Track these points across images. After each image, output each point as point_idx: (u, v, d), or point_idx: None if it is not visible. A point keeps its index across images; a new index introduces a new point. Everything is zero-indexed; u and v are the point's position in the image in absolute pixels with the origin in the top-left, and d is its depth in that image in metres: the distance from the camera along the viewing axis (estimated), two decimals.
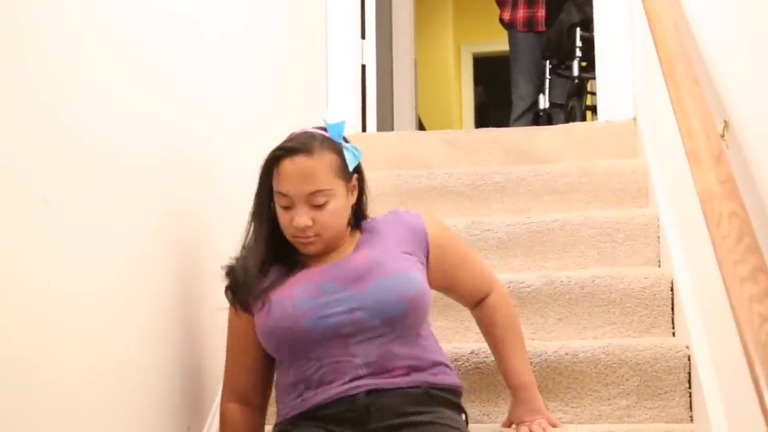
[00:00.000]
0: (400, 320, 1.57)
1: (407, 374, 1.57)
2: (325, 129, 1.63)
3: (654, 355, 2.01)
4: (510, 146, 3.14)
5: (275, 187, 1.59)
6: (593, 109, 4.09)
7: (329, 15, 3.33)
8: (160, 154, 1.71)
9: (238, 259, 1.65)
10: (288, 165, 1.57)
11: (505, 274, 2.36)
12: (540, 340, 2.20)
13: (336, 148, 1.60)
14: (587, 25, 4.04)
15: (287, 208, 1.58)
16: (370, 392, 1.53)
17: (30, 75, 1.22)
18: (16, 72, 1.18)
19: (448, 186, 2.86)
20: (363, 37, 3.55)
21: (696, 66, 1.74)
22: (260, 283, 1.61)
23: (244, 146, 2.32)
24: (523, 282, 2.30)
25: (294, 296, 1.57)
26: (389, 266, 1.60)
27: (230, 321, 1.68)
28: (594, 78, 3.59)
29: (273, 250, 1.63)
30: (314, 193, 1.56)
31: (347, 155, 1.60)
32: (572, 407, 2.02)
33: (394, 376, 1.55)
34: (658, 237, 2.48)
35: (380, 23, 3.91)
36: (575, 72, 4.16)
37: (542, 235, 2.54)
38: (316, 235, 1.58)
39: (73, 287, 1.33)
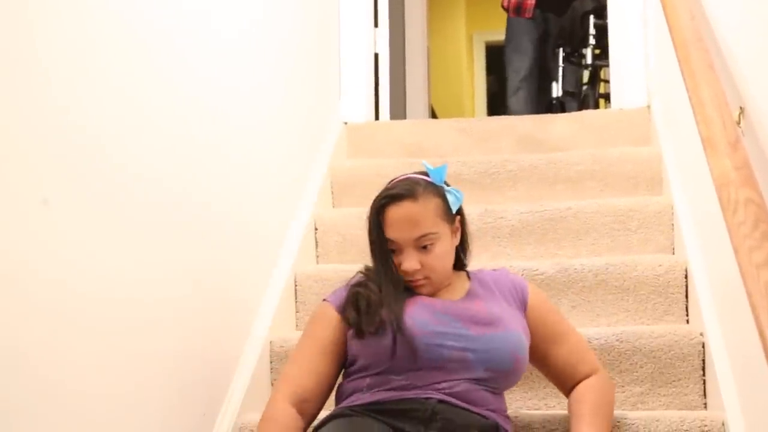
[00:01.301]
0: (502, 376, 1.58)
1: (481, 409, 1.56)
2: (426, 174, 1.65)
3: (668, 342, 2.00)
4: (523, 134, 3.13)
5: (384, 233, 1.61)
6: (606, 96, 4.07)
7: (342, 4, 3.32)
8: (171, 151, 1.71)
9: (367, 286, 1.62)
10: (394, 211, 1.59)
11: (518, 262, 2.36)
12: None
13: (439, 192, 1.62)
14: (601, 12, 4.01)
15: (395, 252, 1.60)
16: (442, 402, 1.53)
17: (41, 71, 1.23)
18: (26, 66, 1.19)
19: (461, 174, 2.85)
20: (376, 25, 3.54)
21: (711, 52, 1.73)
22: (397, 312, 1.58)
23: (258, 137, 2.33)
24: (536, 269, 2.30)
25: (413, 314, 1.57)
26: (507, 322, 1.61)
27: (318, 322, 1.66)
28: (607, 66, 3.56)
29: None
30: (421, 237, 1.58)
31: (450, 198, 1.63)
32: None
33: (471, 407, 1.55)
34: (672, 225, 2.47)
35: (393, 12, 3.89)
36: (589, 60, 4.14)
37: (555, 223, 2.53)
38: (426, 277, 1.61)
39: (88, 279, 1.34)
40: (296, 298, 2.41)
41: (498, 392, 1.60)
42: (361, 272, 1.67)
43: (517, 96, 4.39)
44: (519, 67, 4.40)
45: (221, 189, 1.99)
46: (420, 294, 1.62)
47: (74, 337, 1.28)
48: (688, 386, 1.98)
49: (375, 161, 2.99)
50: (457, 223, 1.66)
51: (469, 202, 2.78)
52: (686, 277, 2.23)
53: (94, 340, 1.34)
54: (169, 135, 1.69)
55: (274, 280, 2.30)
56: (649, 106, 3.03)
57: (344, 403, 1.58)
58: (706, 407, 1.96)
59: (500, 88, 6.72)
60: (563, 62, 4.40)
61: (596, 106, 4.13)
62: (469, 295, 1.66)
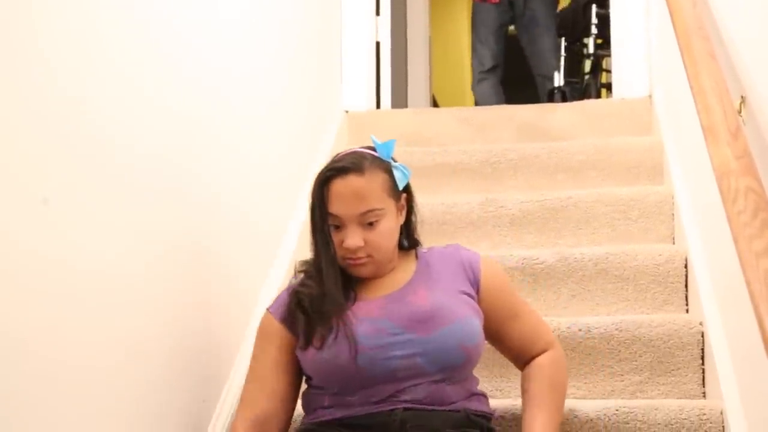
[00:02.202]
0: (459, 368, 1.53)
1: (448, 406, 1.52)
2: (373, 148, 1.58)
3: (667, 331, 2.01)
4: (524, 124, 3.13)
5: (327, 207, 1.53)
6: (608, 86, 4.06)
7: None
8: (171, 134, 1.71)
9: (306, 284, 1.56)
10: (339, 185, 1.52)
11: (518, 251, 2.36)
12: (553, 316, 2.20)
13: (386, 167, 1.56)
14: (603, 2, 4.01)
15: (338, 228, 1.53)
16: (408, 409, 1.48)
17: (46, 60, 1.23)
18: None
19: (462, 163, 2.85)
20: (377, 13, 3.53)
21: (713, 41, 1.72)
22: (341, 301, 1.53)
23: (260, 124, 2.32)
24: (536, 258, 2.30)
25: (354, 333, 1.50)
26: (452, 312, 1.53)
27: (264, 337, 1.60)
28: (609, 55, 3.56)
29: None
30: (366, 213, 1.51)
31: (397, 174, 1.56)
32: (585, 383, 2.02)
33: (437, 407, 1.51)
34: (673, 214, 2.47)
35: (395, 0, 3.89)
36: (591, 49, 4.13)
37: (556, 212, 2.53)
38: (368, 256, 1.53)
39: (89, 266, 1.34)
40: None
41: (460, 381, 1.54)
42: (298, 270, 1.61)
43: (480, 86, 4.41)
44: (483, 56, 4.41)
45: (221, 176, 1.99)
46: (360, 275, 1.55)
47: (72, 315, 1.28)
48: (687, 375, 1.99)
49: None
50: (403, 201, 1.59)
51: (470, 191, 2.80)
52: (686, 266, 2.23)
53: (93, 318, 1.34)
54: (168, 118, 1.69)
55: (274, 269, 2.30)
56: (650, 96, 3.03)
57: (309, 418, 1.55)
58: (704, 396, 1.97)
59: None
60: (565, 52, 4.40)
61: (598, 96, 4.13)
62: (412, 282, 1.58)
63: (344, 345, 1.49)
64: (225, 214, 1.99)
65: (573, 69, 4.46)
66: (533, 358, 1.64)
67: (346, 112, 3.23)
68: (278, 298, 1.63)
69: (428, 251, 1.66)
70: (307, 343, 1.52)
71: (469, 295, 1.59)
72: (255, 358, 1.60)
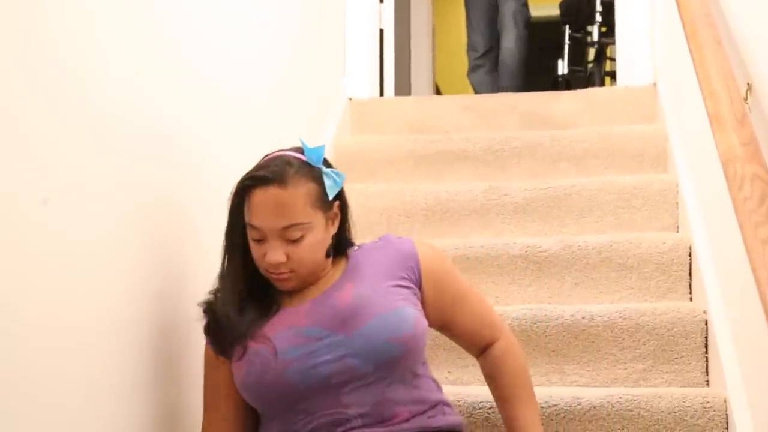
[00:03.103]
0: (396, 363, 1.39)
1: (407, 420, 1.40)
2: (302, 151, 1.45)
3: (671, 319, 2.01)
4: (527, 111, 3.12)
5: (246, 218, 1.42)
6: (613, 74, 4.05)
7: None
8: (167, 133, 1.69)
9: (215, 296, 1.47)
10: (259, 196, 1.39)
11: (522, 239, 2.35)
12: (557, 304, 2.20)
13: (314, 176, 1.41)
14: None
15: (259, 241, 1.41)
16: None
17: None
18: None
19: (465, 151, 2.84)
20: (381, 1, 3.52)
21: (719, 28, 1.71)
22: (239, 325, 1.42)
23: (261, 112, 2.31)
24: (540, 246, 2.30)
25: (277, 346, 1.39)
26: (378, 304, 1.41)
27: (207, 365, 1.50)
28: (614, 43, 3.54)
29: (249, 287, 1.46)
30: (288, 228, 1.38)
31: (327, 182, 1.42)
32: (588, 371, 2.02)
33: (394, 424, 1.38)
34: (677, 203, 2.47)
35: None
36: (595, 37, 4.12)
37: (560, 201, 2.53)
38: (291, 271, 1.41)
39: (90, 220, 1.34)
40: None
41: (408, 380, 1.42)
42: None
43: (476, 74, 4.38)
44: (475, 42, 4.39)
45: (223, 161, 1.98)
46: (284, 289, 1.45)
47: (73, 274, 1.26)
48: (690, 363, 1.99)
49: (379, 137, 2.99)
50: (336, 209, 1.46)
51: (473, 179, 2.80)
52: (690, 254, 2.22)
53: (95, 277, 1.32)
54: (166, 106, 1.67)
55: None
56: (655, 84, 3.02)
57: None
58: (708, 384, 1.97)
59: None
60: (569, 39, 4.39)
61: (602, 84, 4.11)
62: (339, 281, 1.47)
63: (265, 361, 1.39)
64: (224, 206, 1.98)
65: (577, 57, 4.45)
66: (487, 346, 1.56)
67: (350, 99, 3.22)
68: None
69: (359, 249, 1.54)
70: (224, 354, 1.44)
71: (404, 286, 1.47)
72: (204, 386, 1.51)
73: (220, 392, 1.47)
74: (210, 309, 1.46)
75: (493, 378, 1.56)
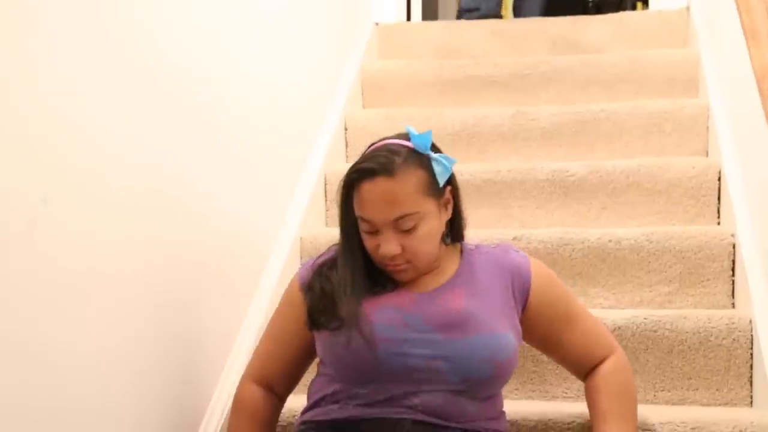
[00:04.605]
0: (482, 384, 1.36)
1: (462, 423, 1.37)
2: (408, 138, 1.39)
3: (698, 243, 1.99)
4: (557, 36, 3.06)
5: (356, 211, 1.36)
6: (645, 0, 3.96)
7: None
8: (193, 64, 1.69)
9: (326, 272, 1.43)
10: (367, 189, 1.33)
11: (549, 164, 2.34)
12: (583, 228, 2.19)
13: (423, 163, 1.35)
14: None
15: (372, 233, 1.36)
16: (417, 422, 1.33)
17: None
18: None
19: (493, 76, 2.81)
20: None
21: None
22: (353, 305, 1.37)
23: (291, 37, 2.29)
24: (567, 171, 2.28)
25: (374, 320, 1.35)
26: (486, 323, 1.37)
27: (286, 303, 1.48)
28: None
29: (366, 268, 1.41)
30: (400, 219, 1.33)
31: (437, 168, 1.36)
32: (614, 293, 2.02)
33: (449, 423, 1.35)
34: (707, 127, 2.43)
35: None
36: None
37: (588, 126, 2.50)
38: (407, 261, 1.37)
39: (123, 169, 1.35)
40: (326, 197, 2.42)
41: (484, 399, 1.38)
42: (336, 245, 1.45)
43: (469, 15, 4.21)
44: None
45: (252, 89, 1.98)
46: (401, 280, 1.40)
47: (107, 225, 1.29)
48: (716, 286, 1.98)
49: (406, 62, 2.96)
50: (448, 194, 1.40)
51: (500, 104, 2.77)
52: (719, 179, 2.20)
53: (125, 229, 1.36)
54: (191, 34, 1.67)
55: (301, 184, 2.30)
56: (688, 8, 2.95)
57: (307, 415, 1.42)
58: (734, 306, 1.96)
59: None
60: None
61: (633, 8, 4.02)
62: (450, 283, 1.42)
63: (360, 329, 1.35)
64: (254, 129, 1.98)
65: None
66: (595, 366, 1.47)
67: (376, 24, 3.18)
68: (312, 261, 1.49)
69: (475, 249, 1.48)
70: (314, 325, 1.41)
71: (511, 306, 1.42)
72: (272, 317, 1.50)
73: (286, 338, 1.46)
74: (320, 285, 1.41)
75: (595, 391, 1.45)
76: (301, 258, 2.15)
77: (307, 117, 2.41)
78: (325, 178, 2.42)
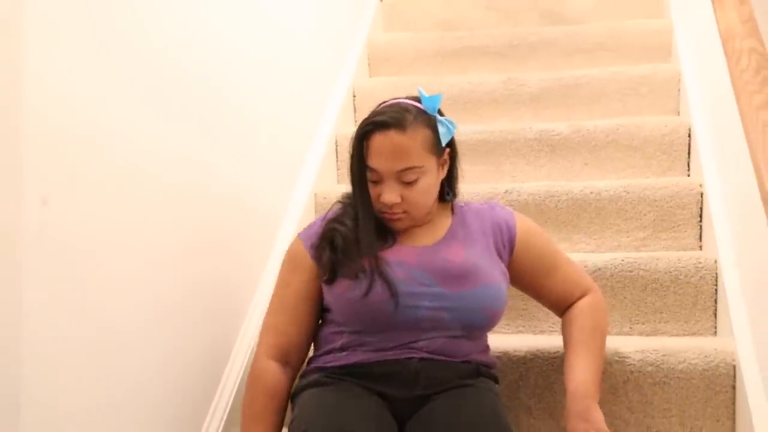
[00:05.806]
0: (479, 329, 1.39)
1: (461, 357, 1.39)
2: (418, 99, 1.40)
3: (670, 192, 1.99)
4: (545, 9, 3.03)
5: (366, 161, 1.37)
6: None
7: None
8: (199, 37, 1.67)
9: (342, 222, 1.41)
10: (379, 140, 1.34)
11: (537, 124, 2.32)
12: (567, 181, 2.19)
13: (430, 123, 1.36)
14: None
15: (376, 182, 1.37)
16: (423, 360, 1.35)
17: None
18: None
19: (488, 46, 2.79)
20: None
21: None
22: (370, 247, 1.37)
23: (297, 15, 2.27)
24: (553, 130, 2.27)
25: (387, 274, 1.35)
26: (484, 274, 1.38)
27: (291, 269, 1.44)
28: None
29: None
30: (405, 170, 1.34)
31: (441, 129, 1.37)
32: (594, 239, 2.02)
33: (450, 359, 1.37)
34: (679, 90, 2.41)
35: None
36: None
37: (572, 90, 2.48)
38: (404, 211, 1.38)
39: (149, 156, 1.35)
40: (337, 157, 2.42)
41: (478, 336, 1.41)
42: (339, 201, 1.45)
43: None
44: None
45: (264, 62, 1.96)
46: (395, 228, 1.40)
47: (129, 209, 1.26)
48: (686, 231, 1.98)
49: (409, 35, 2.93)
50: (446, 156, 1.41)
51: (493, 71, 2.74)
52: (689, 135, 2.18)
53: (147, 211, 1.32)
54: (198, 16, 1.65)
55: (314, 144, 2.29)
56: None
57: (319, 362, 1.40)
58: (701, 248, 1.96)
59: None
60: None
61: None
62: (447, 237, 1.42)
63: (380, 285, 1.34)
64: (267, 95, 1.97)
65: None
66: (572, 304, 1.49)
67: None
68: (311, 225, 1.47)
69: (465, 206, 1.49)
70: (333, 278, 1.38)
71: (500, 256, 1.44)
72: (278, 287, 1.45)
73: (296, 294, 1.42)
74: (339, 230, 1.39)
75: (568, 324, 1.46)
76: (316, 211, 2.16)
77: (318, 87, 2.40)
78: (336, 140, 2.41)
